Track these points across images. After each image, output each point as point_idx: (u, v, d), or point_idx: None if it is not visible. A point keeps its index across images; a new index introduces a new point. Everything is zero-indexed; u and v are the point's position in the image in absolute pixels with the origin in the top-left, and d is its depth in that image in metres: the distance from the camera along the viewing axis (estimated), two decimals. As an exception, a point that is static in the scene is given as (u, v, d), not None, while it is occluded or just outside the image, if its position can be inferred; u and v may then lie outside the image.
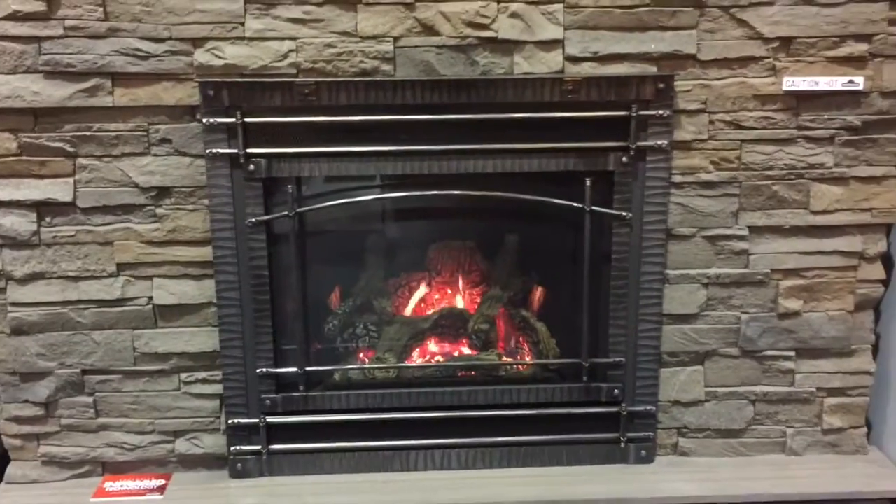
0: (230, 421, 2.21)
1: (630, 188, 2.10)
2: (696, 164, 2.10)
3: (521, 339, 2.42)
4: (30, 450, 2.23)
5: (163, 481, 2.22)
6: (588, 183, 2.08)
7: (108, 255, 2.11)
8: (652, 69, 2.04)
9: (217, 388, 2.22)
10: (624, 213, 2.10)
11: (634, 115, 2.04)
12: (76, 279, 2.12)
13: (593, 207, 2.09)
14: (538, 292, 2.42)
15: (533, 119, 2.05)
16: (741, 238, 2.15)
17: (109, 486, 2.21)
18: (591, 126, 2.07)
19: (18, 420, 2.21)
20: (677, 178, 2.11)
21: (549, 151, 2.08)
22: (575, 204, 2.11)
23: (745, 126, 2.08)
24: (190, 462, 2.27)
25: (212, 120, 2.00)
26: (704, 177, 2.11)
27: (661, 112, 2.04)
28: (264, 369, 2.17)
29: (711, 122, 2.08)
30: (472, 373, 2.37)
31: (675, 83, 2.04)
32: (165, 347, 2.18)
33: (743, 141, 2.10)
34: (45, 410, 2.20)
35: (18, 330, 2.14)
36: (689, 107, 2.06)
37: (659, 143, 2.06)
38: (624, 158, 2.07)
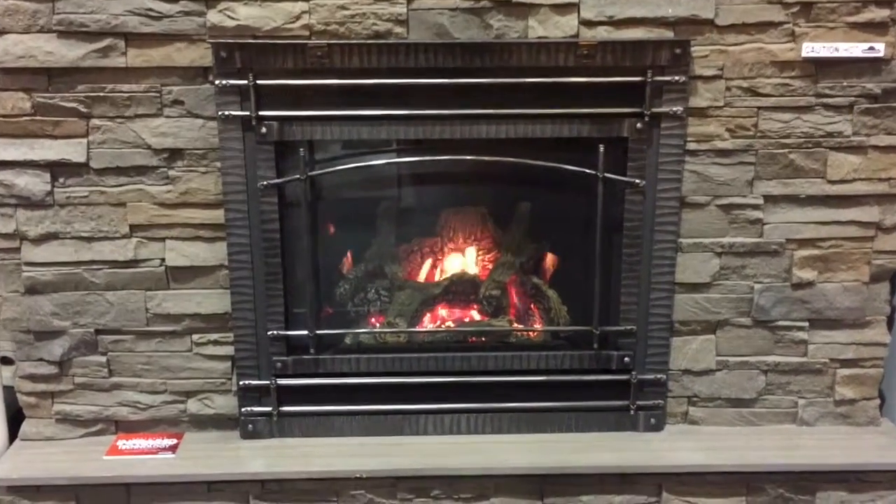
0: (241, 382, 2.25)
1: (644, 155, 2.11)
2: (711, 132, 2.11)
3: (532, 305, 2.45)
4: (44, 407, 2.29)
5: (175, 440, 2.28)
6: (601, 149, 2.09)
7: (121, 217, 2.15)
8: (668, 34, 2.04)
9: (228, 350, 2.27)
10: (637, 181, 2.11)
11: (649, 80, 2.04)
12: (89, 240, 2.16)
13: (606, 174, 2.11)
14: (550, 259, 2.45)
15: (547, 84, 2.06)
16: (756, 207, 2.17)
17: (122, 444, 2.27)
18: (606, 92, 2.08)
19: (33, 378, 2.26)
20: (692, 146, 2.12)
21: (563, 117, 2.09)
22: (588, 171, 2.12)
23: (762, 93, 2.09)
24: (201, 422, 2.33)
25: (224, 82, 2.03)
26: (720, 144, 2.12)
27: (676, 78, 2.04)
28: (275, 332, 2.21)
29: (728, 88, 2.08)
30: (483, 339, 2.40)
31: (692, 48, 2.04)
32: (178, 309, 2.23)
33: (760, 108, 2.10)
34: (60, 369, 2.26)
35: (33, 289, 2.19)
36: (705, 73, 2.07)
37: (674, 109, 2.07)
38: (638, 125, 2.08)
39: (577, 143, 2.13)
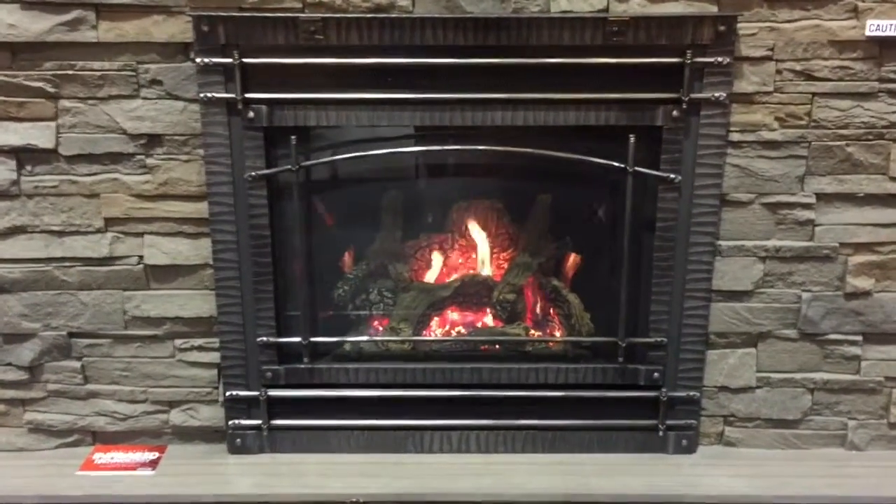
0: (228, 393, 2.08)
1: (680, 147, 1.90)
2: (758, 121, 1.89)
3: (551, 311, 2.24)
4: (15, 415, 2.13)
5: (156, 454, 2.11)
6: (632, 140, 1.87)
7: (95, 209, 1.97)
8: (712, 9, 1.82)
9: (215, 357, 2.09)
10: (672, 176, 1.90)
11: (689, 62, 1.82)
12: (60, 234, 1.99)
13: (637, 168, 1.90)
14: (571, 260, 2.24)
15: (571, 65, 1.85)
16: (807, 206, 1.95)
17: (99, 457, 2.09)
18: (639, 74, 1.86)
19: (1, 384, 2.10)
20: (735, 137, 1.90)
21: (589, 103, 1.88)
22: (616, 164, 1.91)
23: (817, 77, 1.86)
24: (186, 434, 2.16)
25: (206, 60, 1.84)
26: (767, 135, 1.90)
27: (720, 59, 1.82)
28: (265, 338, 2.03)
29: (779, 71, 1.86)
30: (496, 347, 2.20)
31: (738, 25, 1.82)
32: (158, 311, 2.06)
33: (815, 94, 1.88)
34: (30, 375, 2.09)
35: (-1, 288, 2.07)
36: (753, 53, 1.84)
37: (716, 95, 1.85)
38: (675, 112, 1.86)
39: (605, 132, 1.92)
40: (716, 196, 1.94)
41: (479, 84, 1.87)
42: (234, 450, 2.10)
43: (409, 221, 2.26)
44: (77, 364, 2.09)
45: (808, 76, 1.86)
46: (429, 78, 1.88)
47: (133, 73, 1.88)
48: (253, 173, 1.92)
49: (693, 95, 1.85)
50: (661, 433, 2.08)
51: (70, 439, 2.15)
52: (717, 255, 1.99)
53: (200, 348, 2.09)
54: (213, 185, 1.94)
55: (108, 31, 1.84)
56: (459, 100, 1.89)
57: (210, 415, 2.13)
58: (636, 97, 1.88)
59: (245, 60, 1.84)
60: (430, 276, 2.29)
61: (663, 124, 1.89)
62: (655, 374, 2.05)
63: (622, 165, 1.90)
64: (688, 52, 1.82)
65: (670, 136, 1.89)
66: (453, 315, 2.26)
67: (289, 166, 1.92)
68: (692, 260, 1.97)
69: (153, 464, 2.07)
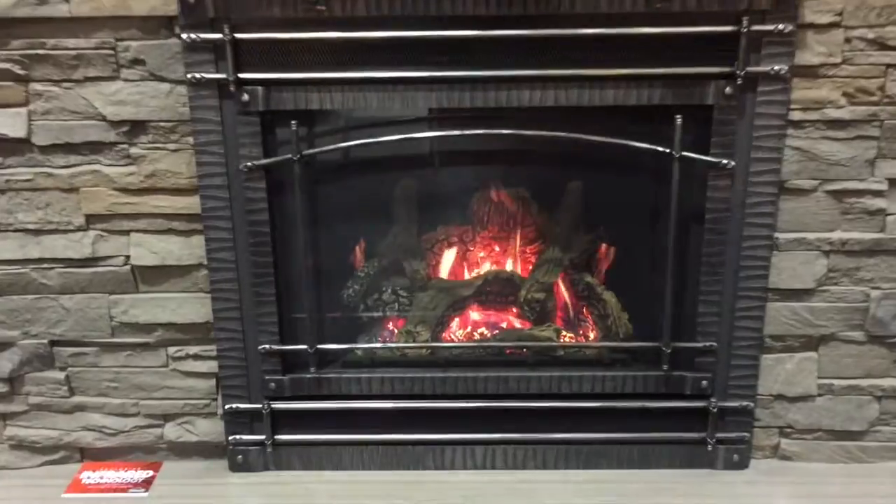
0: (228, 405, 1.90)
1: (733, 128, 1.68)
2: (822, 97, 1.67)
3: (584, 311, 2.04)
4: (-5, 431, 2.00)
5: (150, 472, 1.93)
6: (679, 121, 1.66)
7: (75, 205, 1.78)
8: (771, -32, 1.61)
9: (212, 366, 1.91)
10: (724, 161, 1.68)
11: (745, 30, 1.59)
12: (37, 233, 1.81)
13: (684, 153, 1.68)
14: (607, 255, 2.03)
15: (609, 37, 1.63)
16: (878, 194, 1.74)
17: (87, 477, 1.92)
18: (687, 46, 1.64)
19: (-21, 397, 1.97)
20: (796, 116, 1.68)
21: (630, 80, 1.66)
22: (660, 148, 1.69)
23: (892, 46, 1.64)
24: (182, 450, 1.98)
25: (193, 36, 1.63)
26: (833, 113, 1.68)
27: (780, 27, 1.59)
28: (267, 346, 1.85)
29: (847, 40, 1.64)
30: (524, 351, 1.98)
31: (802, -13, 1.62)
32: (148, 316, 1.88)
33: (889, 66, 1.66)
34: (10, 387, 1.92)
35: (-29, 293, 1.89)
36: (818, 20, 1.61)
37: (775, 68, 1.62)
38: (728, 89, 1.64)
39: (646, 112, 1.70)
40: (774, 183, 1.72)
41: (503, 60, 1.66)
42: (236, 467, 1.93)
43: (425, 213, 2.04)
44: (61, 375, 1.92)
45: (882, 45, 1.64)
46: (447, 53, 1.66)
47: (112, 52, 1.68)
48: (249, 163, 1.72)
49: (750, 69, 1.62)
50: (709, 447, 1.88)
51: (55, 456, 1.98)
52: (774, 250, 1.78)
53: (196, 357, 1.91)
54: (204, 177, 1.74)
55: (82, 3, 1.63)
56: (482, 78, 1.67)
57: (208, 429, 1.96)
58: (684, 72, 1.65)
59: (237, 36, 1.64)
60: (450, 274, 2.09)
61: (714, 102, 1.66)
62: (704, 383, 1.85)
63: (667, 150, 1.68)
64: (744, 18, 1.59)
65: (722, 115, 1.67)
66: (475, 316, 2.06)
67: (289, 155, 1.72)
68: (746, 255, 1.77)
69: (146, 483, 1.90)
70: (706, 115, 1.69)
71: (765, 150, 1.70)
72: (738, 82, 1.64)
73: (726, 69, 1.64)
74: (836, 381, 1.89)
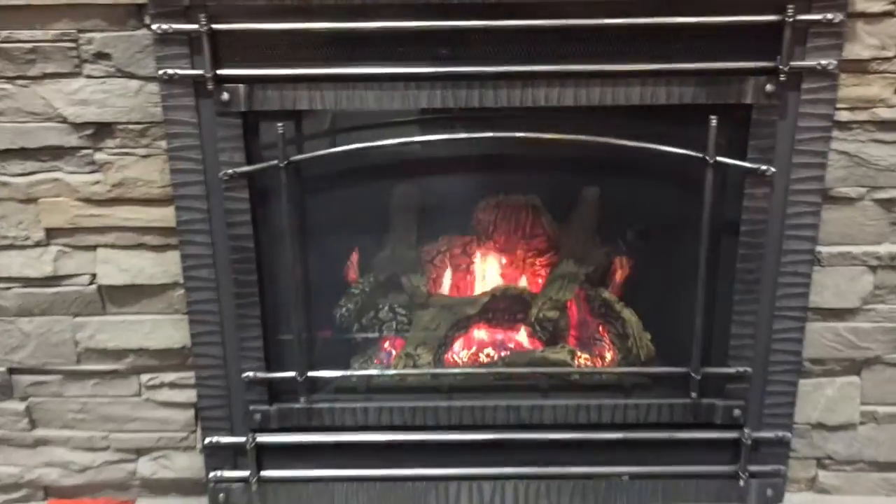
0: (208, 439, 1.73)
1: (773, 130, 1.51)
2: (873, 95, 1.51)
3: (601, 330, 1.88)
4: (-51, 468, 1.82)
5: (122, 512, 1.81)
6: (713, 123, 1.48)
7: (33, 217, 1.63)
8: (819, -50, 1.45)
9: (190, 395, 1.76)
10: (763, 167, 1.52)
11: (790, 19, 1.43)
12: (-9, 249, 1.67)
13: (718, 158, 1.52)
14: (626, 268, 1.87)
15: (636, 28, 1.46)
16: (932, 203, 1.61)
17: (51, 518, 1.79)
18: (723, 38, 1.48)
19: (-70, 431, 1.80)
20: (843, 116, 1.53)
21: (657, 76, 1.49)
22: (692, 153, 1.52)
23: (954, 38, 1.50)
24: (158, 487, 1.84)
25: (165, 26, 1.46)
26: (885, 114, 1.52)
27: (829, 16, 1.43)
28: (252, 373, 1.68)
29: (903, 31, 1.50)
30: (535, 377, 1.80)
31: (853, -28, 1.45)
32: (118, 341, 1.72)
33: (950, 61, 1.52)
34: (-36, 419, 1.79)
35: (-80, 315, 1.71)
36: (869, 8, 1.45)
37: (822, 62, 1.46)
38: (769, 87, 1.47)
39: (675, 112, 1.53)
40: (817, 191, 1.56)
41: (514, 53, 1.49)
42: (218, 506, 1.80)
43: (425, 223, 1.88)
44: (21, 406, 1.76)
45: (941, 36, 1.50)
46: (452, 46, 1.49)
47: (73, 45, 1.51)
48: (230, 170, 1.55)
49: (795, 63, 1.45)
50: (741, 482, 1.72)
51: (17, 495, 1.83)
52: (815, 265, 1.62)
53: (172, 385, 1.76)
54: (180, 186, 1.57)
55: (38, -11, 1.48)
56: (488, 74, 1.50)
57: (186, 464, 1.82)
58: (719, 67, 1.48)
59: (216, 27, 1.46)
60: (453, 289, 1.94)
61: (754, 102, 1.49)
62: (736, 411, 1.69)
63: (700, 155, 1.51)
64: (789, 7, 1.42)
65: (762, 116, 1.51)
66: (482, 337, 1.90)
67: (275, 161, 1.55)
68: (785, 271, 1.61)
69: (117, 526, 1.76)
70: (743, 116, 1.51)
71: (808, 155, 1.53)
72: (782, 78, 1.46)
73: (768, 64, 1.46)
74: (880, 409, 1.75)
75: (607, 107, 1.52)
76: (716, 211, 1.58)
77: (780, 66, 1.46)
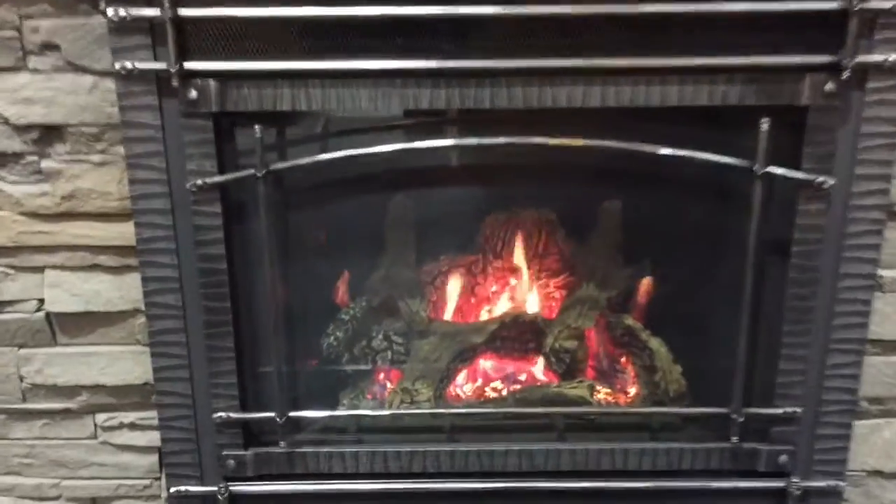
0: (173, 489, 1.54)
1: (832, 136, 1.33)
2: None
3: (624, 362, 1.71)
4: None
5: (76, 572, 1.62)
6: (764, 127, 1.30)
7: None
8: (889, -75, 1.27)
9: (153, 438, 1.59)
10: (820, 178, 1.34)
11: (855, 8, 1.25)
12: (-79, 271, 1.48)
13: (769, 168, 1.34)
14: (653, 293, 1.70)
15: (672, 17, 1.28)
16: None
17: (-5, 578, 1.60)
18: (775, 30, 1.30)
19: None
20: None
21: (698, 73, 1.31)
22: (737, 161, 1.35)
23: None
24: None
25: (123, 12, 1.27)
26: None
27: (901, 4, 1.27)
28: (224, 413, 1.49)
29: None
30: (551, 411, 1.63)
31: (930, -49, 1.27)
32: (70, 377, 1.55)
33: None
34: None
35: None
36: (947, -5, 1.29)
37: (891, 58, 1.28)
38: (828, 85, 1.29)
39: (716, 115, 1.37)
40: (881, 207, 1.38)
41: (528, 46, 1.31)
42: (186, 564, 1.60)
43: (424, 240, 1.72)
44: None
45: None
46: (454, 38, 1.31)
47: (15, 34, 1.33)
48: (200, 181, 1.36)
49: (860, 59, 1.27)
50: (787, 537, 1.57)
51: None
52: (877, 291, 1.45)
53: (133, 426, 1.60)
54: (140, 199, 1.39)
55: (-28, -31, 1.29)
56: (498, 70, 1.32)
57: None
58: (771, 63, 1.30)
59: (182, 13, 1.27)
60: (456, 315, 1.76)
61: (810, 103, 1.31)
62: (782, 457, 1.50)
63: (747, 164, 1.33)
64: (855, -7, 1.26)
65: (819, 119, 1.32)
66: (488, 368, 1.72)
67: (252, 170, 1.36)
68: (842, 298, 1.42)
69: (70, 588, 1.57)
70: (797, 120, 1.33)
71: (871, 165, 1.35)
72: (845, 76, 1.28)
73: (828, 59, 1.28)
74: (945, 453, 1.59)
75: (637, 108, 1.32)
76: (762, 228, 1.39)
77: (843, 62, 1.28)
